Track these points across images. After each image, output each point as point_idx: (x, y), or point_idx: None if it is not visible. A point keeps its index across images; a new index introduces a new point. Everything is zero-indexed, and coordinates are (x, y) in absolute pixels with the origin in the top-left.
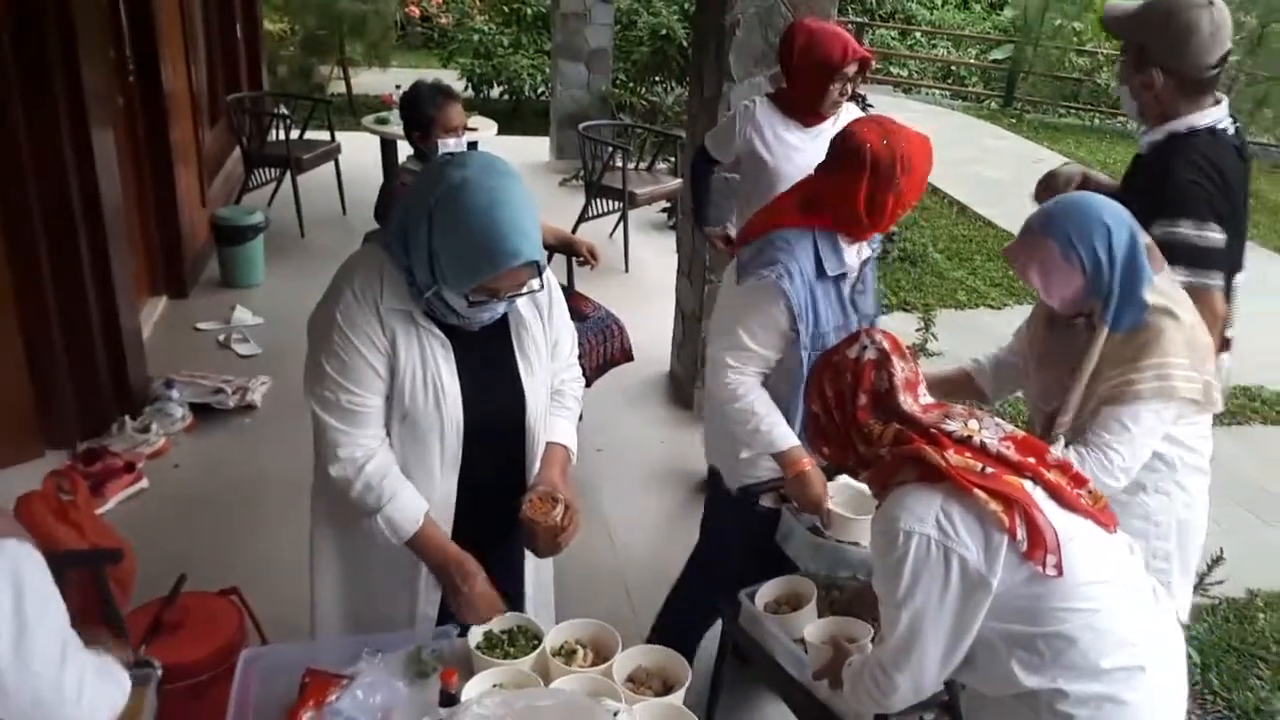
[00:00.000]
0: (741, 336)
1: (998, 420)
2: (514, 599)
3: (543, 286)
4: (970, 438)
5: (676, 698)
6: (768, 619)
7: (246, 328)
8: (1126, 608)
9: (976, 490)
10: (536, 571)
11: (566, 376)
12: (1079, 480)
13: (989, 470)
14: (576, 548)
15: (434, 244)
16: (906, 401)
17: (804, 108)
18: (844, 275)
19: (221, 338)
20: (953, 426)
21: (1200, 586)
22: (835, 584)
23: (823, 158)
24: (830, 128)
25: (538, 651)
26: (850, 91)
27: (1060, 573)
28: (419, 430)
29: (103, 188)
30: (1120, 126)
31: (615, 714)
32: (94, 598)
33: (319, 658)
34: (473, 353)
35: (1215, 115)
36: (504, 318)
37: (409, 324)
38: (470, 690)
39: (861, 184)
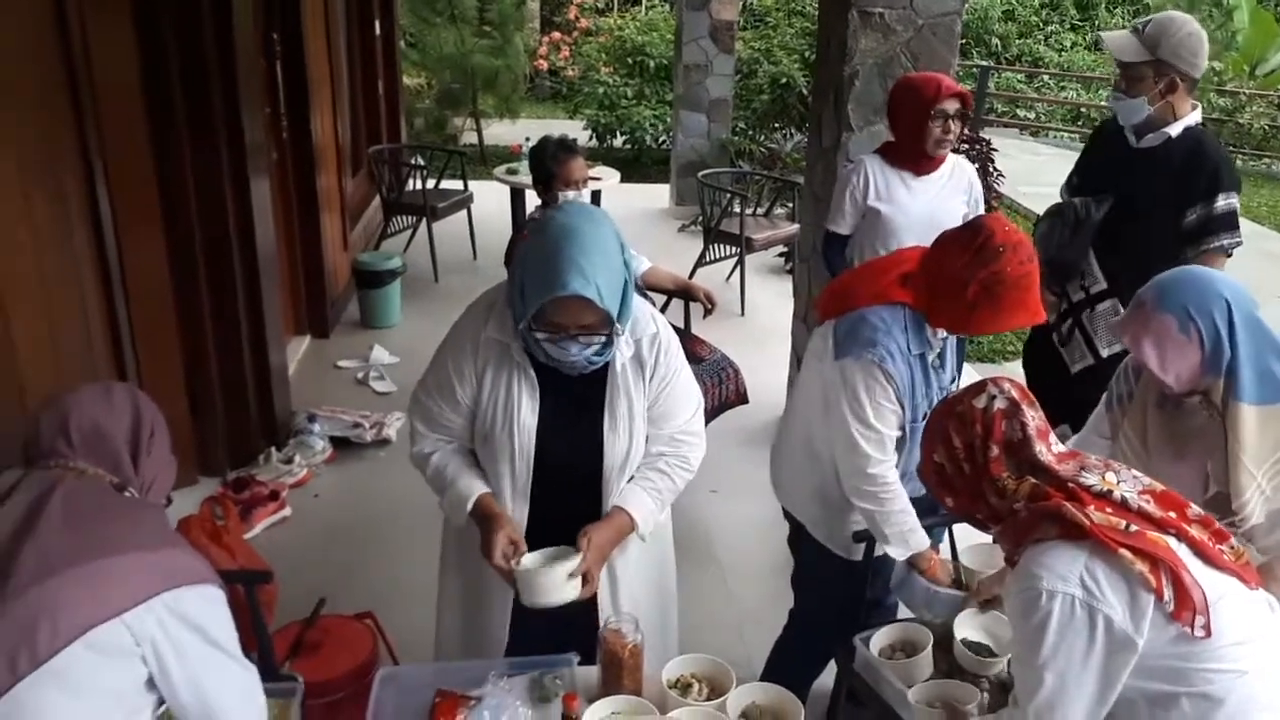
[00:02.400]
0: (870, 419)
1: (1135, 472)
2: (585, 632)
3: (610, 338)
4: (1110, 492)
5: None
6: (883, 665)
7: (384, 366)
8: (1273, 668)
9: (1122, 550)
10: (662, 613)
11: (668, 451)
12: (1221, 536)
13: (1133, 528)
14: (691, 589)
15: (517, 274)
16: (1041, 451)
17: (909, 153)
18: (927, 351)
19: (360, 375)
20: (1091, 480)
21: None
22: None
23: (936, 205)
24: (942, 178)
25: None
26: (956, 131)
27: (1209, 633)
28: (494, 453)
29: (258, 231)
30: (1265, 168)
31: None
32: (245, 617)
33: (449, 679)
34: (562, 396)
35: (1197, 113)
36: (604, 375)
37: (504, 355)
38: (589, 716)
39: (974, 278)
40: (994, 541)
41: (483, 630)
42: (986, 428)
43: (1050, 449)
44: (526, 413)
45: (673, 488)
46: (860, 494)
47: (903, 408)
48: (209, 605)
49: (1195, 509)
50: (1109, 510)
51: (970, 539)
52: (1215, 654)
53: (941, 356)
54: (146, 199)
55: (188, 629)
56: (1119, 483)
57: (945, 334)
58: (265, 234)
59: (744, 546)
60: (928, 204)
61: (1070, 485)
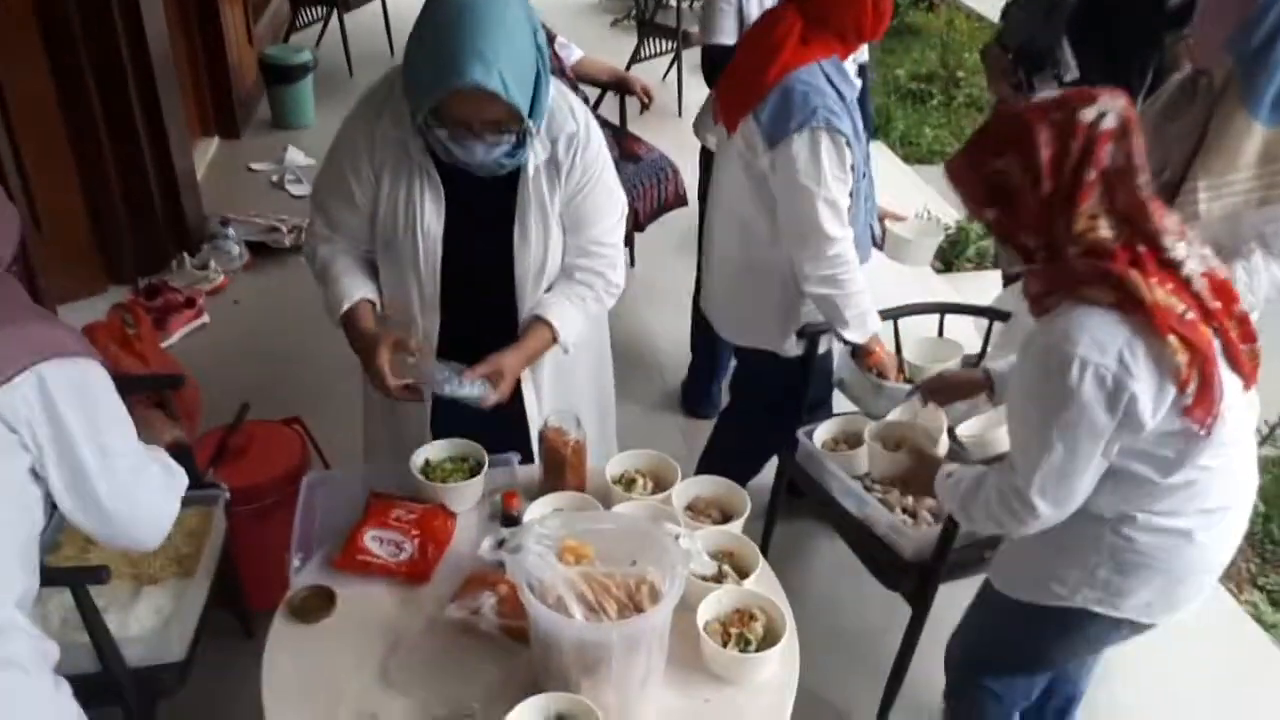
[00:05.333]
0: (830, 191)
1: (1205, 251)
2: (517, 439)
3: (522, 137)
4: (1179, 264)
5: (735, 526)
6: (826, 457)
7: (299, 168)
8: (1233, 469)
9: (1171, 335)
10: (601, 415)
11: (583, 263)
12: (1248, 336)
13: (1189, 315)
14: (629, 394)
15: (407, 60)
16: (1142, 187)
17: None
18: (853, 91)
19: (275, 178)
20: (1167, 243)
21: (1269, 439)
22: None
23: None
24: None
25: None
26: None
27: (1209, 435)
28: (398, 261)
29: (149, 30)
30: None
31: (676, 537)
32: None
33: (381, 481)
34: (469, 202)
35: None
36: (516, 179)
37: (403, 153)
38: (532, 513)
39: None
40: (1021, 278)
41: (407, 442)
42: (1089, 146)
43: (1148, 186)
44: (430, 218)
45: (595, 298)
46: (821, 281)
47: (853, 170)
48: (88, 382)
49: (1241, 306)
50: (1170, 288)
51: (916, 334)
52: (1201, 452)
53: (865, 91)
54: (20, 8)
55: (65, 407)
56: (1187, 257)
57: (857, 59)
58: (157, 32)
59: (683, 352)
60: None
61: (1148, 243)
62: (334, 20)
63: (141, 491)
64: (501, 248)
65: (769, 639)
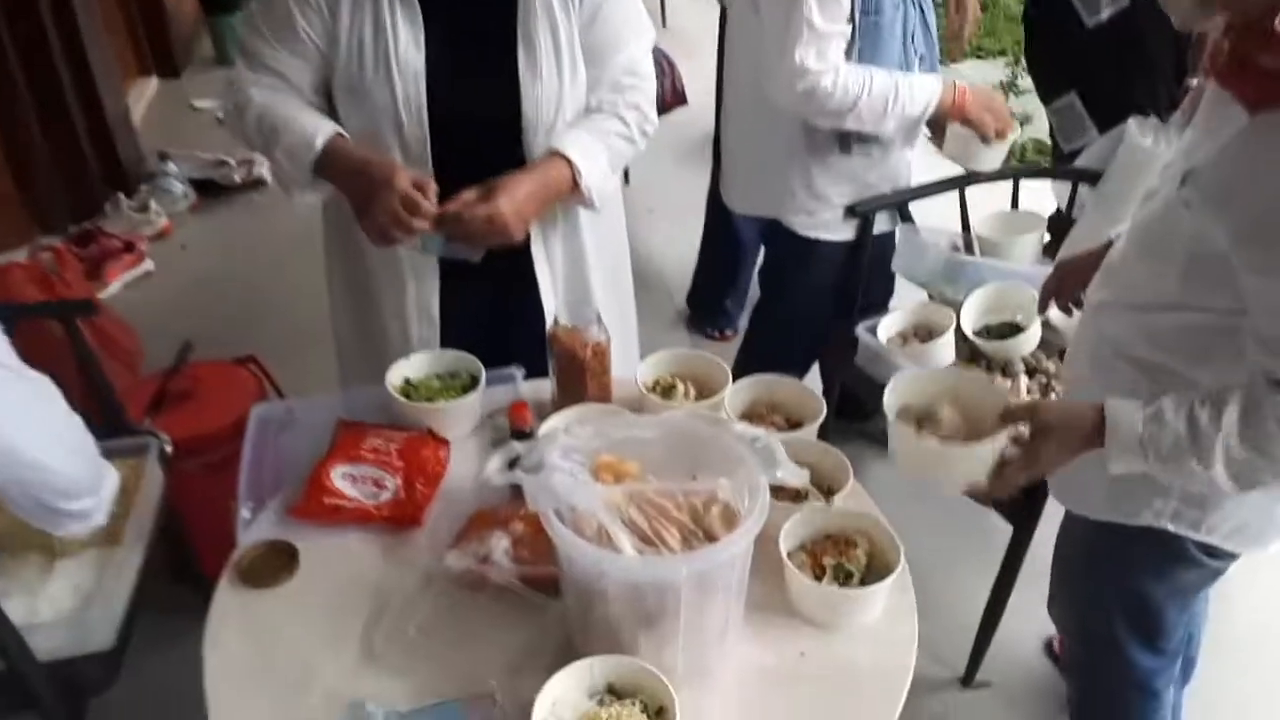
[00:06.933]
0: (810, 16)
1: None
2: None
3: None
4: None
5: (809, 432)
6: (897, 353)
7: None
8: None
9: None
10: (620, 313)
11: (615, 99)
12: None
13: None
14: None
15: None
16: None
17: None
18: None
19: (221, 115)
20: None
21: None
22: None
23: None
24: None
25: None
26: None
27: None
28: (370, 110)
29: None
30: None
31: (754, 440)
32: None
33: (351, 407)
34: (456, 23)
35: None
36: None
37: None
38: (551, 424)
39: None
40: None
41: (386, 349)
42: None
43: None
44: (408, 48)
45: (626, 136)
46: (806, 110)
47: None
48: None
49: None
50: None
51: (985, 209)
52: None
53: None
54: None
55: None
56: None
57: None
58: None
59: (689, 271)
60: None
61: None
62: None
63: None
64: (503, 86)
65: (875, 571)
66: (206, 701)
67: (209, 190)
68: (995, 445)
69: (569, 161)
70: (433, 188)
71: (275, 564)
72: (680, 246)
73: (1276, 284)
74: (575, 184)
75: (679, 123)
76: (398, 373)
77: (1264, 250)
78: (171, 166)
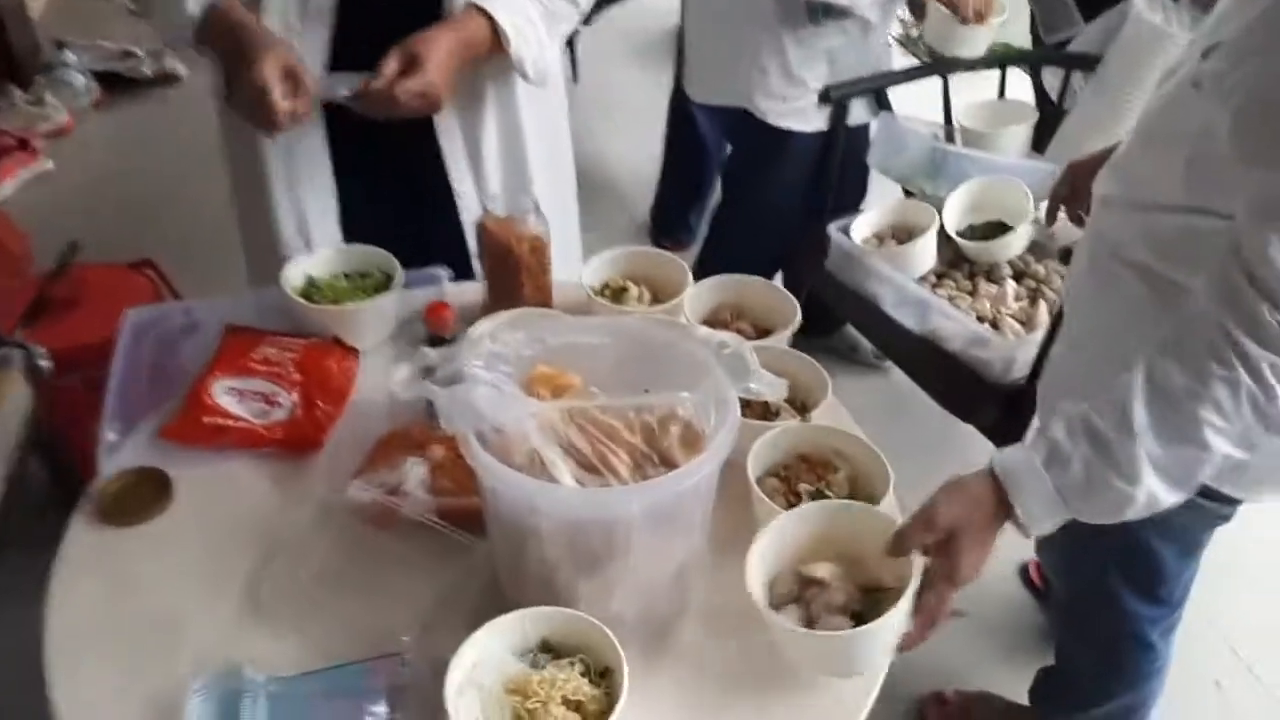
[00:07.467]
0: None
1: None
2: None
3: None
4: None
5: (781, 339)
6: (872, 254)
7: None
8: None
9: None
10: (561, 206)
11: None
12: None
13: None
14: (592, 224)
15: None
16: None
17: None
18: None
19: (133, 4)
20: None
21: None
22: None
23: None
24: None
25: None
26: None
27: None
28: None
29: None
30: None
31: (721, 345)
32: None
33: (240, 312)
34: None
35: None
36: None
37: None
38: (480, 329)
39: None
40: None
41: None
42: None
43: None
44: None
45: (554, 21)
46: None
47: None
48: None
49: None
50: None
51: (969, 97)
52: None
53: None
54: None
55: None
56: None
57: None
58: None
59: (647, 177)
60: None
61: None
62: None
63: None
64: None
65: (857, 497)
66: (47, 667)
67: (116, 84)
68: (903, 602)
69: (486, 12)
70: (307, 80)
71: (143, 496)
72: (637, 152)
73: (1270, 175)
74: (496, 42)
75: (637, 12)
76: (298, 270)
77: (1256, 135)
78: (70, 56)
